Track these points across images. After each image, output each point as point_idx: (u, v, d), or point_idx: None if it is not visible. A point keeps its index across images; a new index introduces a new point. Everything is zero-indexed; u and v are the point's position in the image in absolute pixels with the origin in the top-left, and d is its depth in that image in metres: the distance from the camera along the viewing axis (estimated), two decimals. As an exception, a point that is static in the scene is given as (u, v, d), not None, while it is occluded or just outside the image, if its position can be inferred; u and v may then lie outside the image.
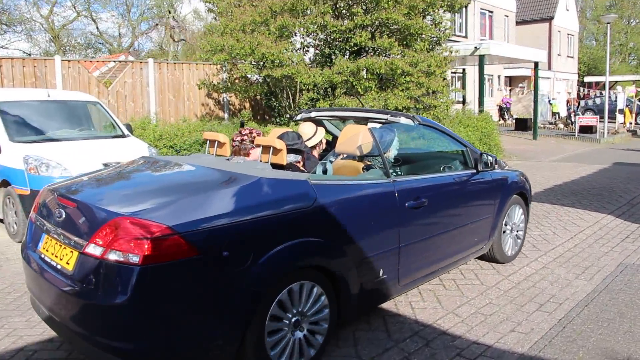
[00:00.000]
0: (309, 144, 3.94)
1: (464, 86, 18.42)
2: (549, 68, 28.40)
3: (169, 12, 26.08)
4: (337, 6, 8.83)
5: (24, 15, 30.90)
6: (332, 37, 9.36)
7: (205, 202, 2.37)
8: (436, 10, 9.51)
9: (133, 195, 2.65)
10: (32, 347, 3.08)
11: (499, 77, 24.30)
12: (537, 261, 4.67)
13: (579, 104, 25.25)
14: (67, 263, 2.40)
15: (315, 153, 4.00)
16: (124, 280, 2.13)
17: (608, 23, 17.53)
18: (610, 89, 23.26)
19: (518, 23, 27.37)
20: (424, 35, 9.80)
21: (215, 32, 8.82)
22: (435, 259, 3.61)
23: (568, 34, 31.10)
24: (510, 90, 26.31)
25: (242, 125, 4.17)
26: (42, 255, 2.64)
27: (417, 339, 3.15)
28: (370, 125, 3.66)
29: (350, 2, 8.87)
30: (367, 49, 9.42)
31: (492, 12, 23.24)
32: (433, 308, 3.61)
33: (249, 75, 8.98)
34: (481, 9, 22.41)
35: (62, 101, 6.65)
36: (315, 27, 8.96)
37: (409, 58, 9.02)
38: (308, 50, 10.34)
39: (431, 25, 9.84)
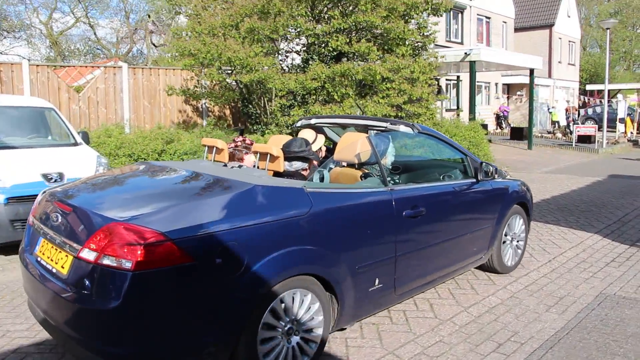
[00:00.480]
0: None
1: (458, 93, 17.96)
2: (549, 76, 27.87)
3: (149, 16, 25.75)
4: (314, 9, 8.40)
5: (24, 22, 30.85)
6: (309, 42, 8.94)
7: (200, 209, 2.37)
8: (419, 14, 9.06)
9: (128, 200, 2.66)
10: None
11: (496, 84, 23.79)
12: (505, 289, 4.17)
13: (578, 112, 24.68)
14: (62, 267, 2.43)
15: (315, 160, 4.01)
16: (117, 286, 2.15)
17: (607, 29, 17.03)
18: (612, 97, 22.74)
19: (517, 30, 26.89)
20: (407, 40, 9.36)
21: (183, 36, 8.41)
22: (432, 269, 3.59)
23: (569, 41, 30.56)
24: (508, 98, 25.79)
25: (241, 133, 4.24)
26: (39, 259, 2.67)
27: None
28: (370, 133, 3.70)
29: (327, 4, 8.43)
30: (347, 54, 8.98)
31: (489, 18, 22.79)
32: (369, 350, 3.13)
33: (229, 81, 8.54)
34: (478, 14, 21.96)
35: (11, 107, 6.24)
36: (295, 32, 8.55)
37: (390, 64, 8.57)
38: (287, 56, 9.92)
39: (415, 29, 9.39)
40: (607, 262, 4.95)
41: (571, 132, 18.24)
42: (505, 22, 24.05)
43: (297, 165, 3.50)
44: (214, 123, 10.93)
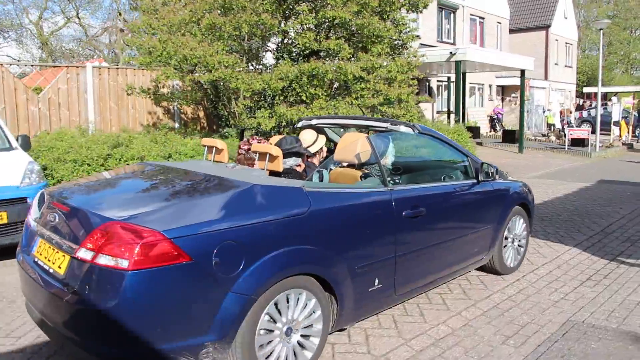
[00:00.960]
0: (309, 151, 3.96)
1: (449, 95, 17.47)
2: (545, 78, 27.36)
3: (119, 14, 25.23)
4: (281, 5, 7.89)
5: (12, 22, 30.41)
6: (279, 40, 8.44)
7: (198, 208, 2.37)
8: (396, 10, 8.54)
9: (126, 200, 2.63)
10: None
11: (490, 86, 23.28)
12: (459, 316, 3.65)
13: (573, 115, 24.14)
14: (59, 267, 2.41)
15: (316, 161, 3.98)
16: (114, 285, 2.13)
17: (601, 29, 16.53)
18: (608, 100, 22.22)
19: (513, 31, 26.40)
20: (386, 39, 8.84)
21: (140, 33, 7.92)
22: (433, 269, 3.59)
23: (566, 43, 30.04)
24: (502, 100, 25.27)
25: (241, 133, 4.29)
26: (36, 259, 2.64)
27: None
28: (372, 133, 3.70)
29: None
30: (319, 52, 8.48)
31: (483, 18, 22.30)
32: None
33: (186, 81, 8.04)
34: (471, 15, 21.47)
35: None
36: (261, 29, 8.04)
37: (364, 62, 8.06)
38: (262, 56, 9.42)
39: (393, 27, 8.88)
40: (582, 280, 4.44)
41: (565, 135, 17.74)
42: (499, 23, 23.55)
43: (290, 162, 3.55)
44: (184, 125, 10.46)
